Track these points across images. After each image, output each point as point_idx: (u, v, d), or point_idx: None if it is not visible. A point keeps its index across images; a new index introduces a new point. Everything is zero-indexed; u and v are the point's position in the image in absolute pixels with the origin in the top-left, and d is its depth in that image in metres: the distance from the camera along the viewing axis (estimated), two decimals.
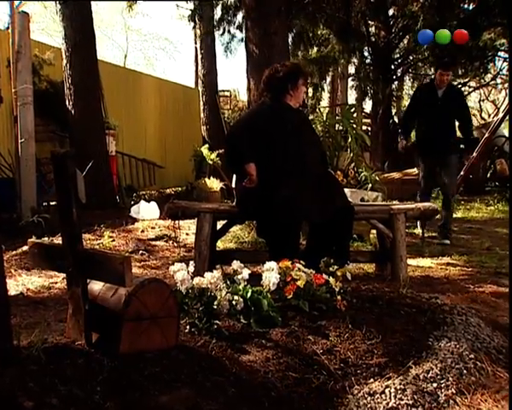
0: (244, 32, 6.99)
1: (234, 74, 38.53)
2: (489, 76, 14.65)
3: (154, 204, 7.31)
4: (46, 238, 5.13)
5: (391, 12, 12.07)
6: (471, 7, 9.84)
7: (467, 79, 13.47)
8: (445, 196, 5.62)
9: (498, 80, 16.78)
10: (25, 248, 4.31)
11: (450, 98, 5.43)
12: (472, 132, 5.87)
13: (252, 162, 3.35)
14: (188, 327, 2.29)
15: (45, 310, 2.97)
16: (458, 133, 5.93)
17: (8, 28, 6.45)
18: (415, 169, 9.68)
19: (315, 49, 13.30)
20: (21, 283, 3.58)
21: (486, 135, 9.76)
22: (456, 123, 5.72)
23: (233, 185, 4.16)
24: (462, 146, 5.85)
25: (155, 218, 6.91)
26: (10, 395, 1.50)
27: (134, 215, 7.09)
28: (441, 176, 5.51)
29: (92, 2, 8.13)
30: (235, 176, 3.85)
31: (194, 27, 11.53)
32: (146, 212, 7.04)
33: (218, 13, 11.08)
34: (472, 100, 23.15)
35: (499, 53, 11.98)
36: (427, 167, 5.66)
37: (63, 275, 3.32)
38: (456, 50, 9.34)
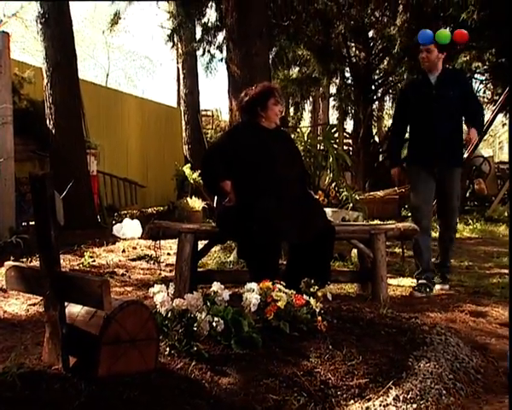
0: (225, 52, 7.04)
1: (216, 94, 38.79)
2: None
3: (136, 222, 7.31)
4: (25, 259, 5.07)
5: (370, 34, 12.28)
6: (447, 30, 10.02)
7: None
8: (444, 226, 4.15)
9: None
10: (2, 269, 4.24)
11: (448, 83, 4.03)
12: (482, 120, 4.40)
13: (227, 180, 3.42)
14: (167, 349, 2.27)
15: (23, 333, 2.92)
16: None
17: None
18: (395, 188, 9.81)
19: (296, 69, 13.44)
20: None
21: (465, 155, 9.91)
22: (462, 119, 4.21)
23: (214, 205, 4.18)
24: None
25: (138, 236, 6.89)
26: None
27: (116, 234, 7.06)
28: (441, 197, 4.16)
29: (74, 21, 8.13)
30: (216, 196, 3.87)
31: (172, 47, 11.58)
32: (129, 230, 7.05)
33: (198, 33, 11.16)
34: None
35: (476, 75, 12.23)
36: (426, 187, 4.05)
37: (41, 297, 3.29)
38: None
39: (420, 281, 4.03)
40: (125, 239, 6.71)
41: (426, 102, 4.03)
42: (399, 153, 4.39)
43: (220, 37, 10.20)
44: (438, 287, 4.12)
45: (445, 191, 4.05)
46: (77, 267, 4.95)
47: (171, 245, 5.87)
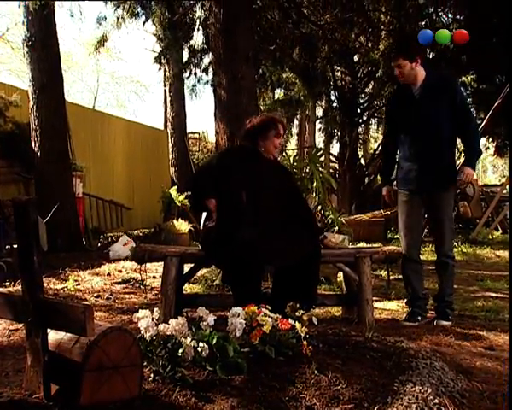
0: (212, 76, 7.11)
1: (203, 116, 38.92)
2: None
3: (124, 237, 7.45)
4: (8, 283, 5.01)
5: (355, 58, 12.47)
6: (431, 55, 10.21)
7: None
8: (437, 253, 3.81)
9: None
10: None
11: (433, 96, 3.61)
12: (475, 139, 3.87)
13: (212, 198, 3.45)
14: (152, 375, 2.24)
15: (3, 359, 2.87)
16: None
17: None
18: (381, 211, 9.88)
19: (282, 91, 13.57)
20: None
21: None
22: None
23: (201, 227, 4.17)
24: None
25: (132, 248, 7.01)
26: None
27: (114, 257, 7.14)
28: (432, 222, 3.93)
29: (61, 44, 8.16)
30: (203, 218, 3.87)
31: (159, 69, 11.65)
32: (123, 249, 7.23)
33: (185, 56, 11.24)
34: None
35: None
36: (414, 213, 3.77)
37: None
38: None
39: (410, 309, 3.88)
40: (114, 261, 6.75)
41: (409, 121, 3.69)
42: (390, 172, 4.05)
43: (206, 60, 10.28)
44: (440, 323, 3.72)
45: (436, 217, 3.77)
46: (61, 291, 4.90)
47: (157, 268, 5.85)
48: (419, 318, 3.78)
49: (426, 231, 9.61)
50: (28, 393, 1.90)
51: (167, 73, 13.53)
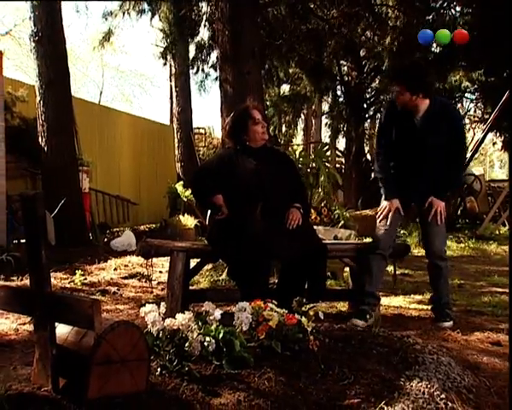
0: (218, 71, 7.10)
1: (209, 111, 38.94)
2: None
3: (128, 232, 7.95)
4: (16, 277, 5.04)
5: (362, 53, 12.42)
6: (438, 49, 10.16)
7: None
8: (433, 262, 3.70)
9: (466, 120, 17.26)
10: None
11: (433, 127, 3.55)
12: (459, 174, 3.94)
13: (218, 194, 3.45)
14: (159, 370, 2.25)
15: (12, 353, 2.89)
16: None
17: None
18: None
19: (287, 86, 13.54)
20: None
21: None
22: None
23: (207, 223, 4.18)
24: None
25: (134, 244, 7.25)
26: None
27: (119, 249, 7.46)
28: (426, 234, 3.72)
29: (69, 40, 8.19)
30: (209, 213, 3.88)
31: (164, 64, 11.66)
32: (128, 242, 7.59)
33: (192, 51, 11.24)
34: None
35: (466, 94, 12.38)
36: (396, 216, 3.66)
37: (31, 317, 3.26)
38: None
39: (361, 307, 3.56)
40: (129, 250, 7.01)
41: (409, 147, 3.61)
42: (393, 184, 3.71)
43: (214, 55, 10.28)
44: (443, 325, 3.56)
45: (429, 227, 3.64)
46: (68, 285, 4.92)
47: (163, 263, 5.86)
48: (367, 316, 3.49)
49: None
50: (36, 386, 1.91)
51: (173, 69, 13.54)
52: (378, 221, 3.70)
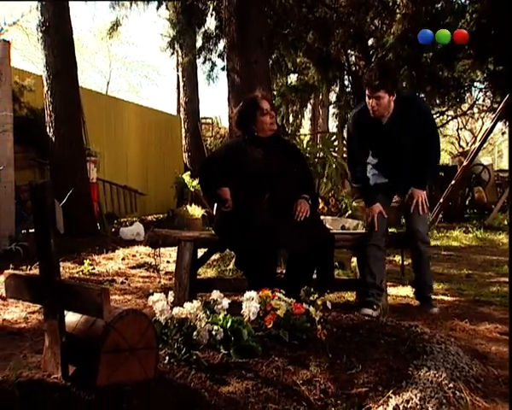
0: (225, 60, 7.07)
1: (216, 101, 38.87)
2: (466, 105, 14.98)
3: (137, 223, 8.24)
4: (24, 267, 5.06)
5: (370, 42, 12.33)
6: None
7: (444, 109, 13.75)
8: (416, 246, 3.69)
9: (475, 109, 17.14)
10: (1, 277, 4.24)
11: (400, 123, 3.53)
12: (432, 165, 3.84)
13: (224, 187, 3.45)
14: (167, 358, 2.26)
15: (21, 341, 2.91)
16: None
17: None
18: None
19: (295, 76, 13.47)
20: None
21: (464, 163, 9.94)
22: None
23: (214, 213, 4.19)
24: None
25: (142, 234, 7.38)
26: None
27: (127, 237, 7.71)
28: (409, 219, 3.71)
29: (76, 30, 8.18)
30: (216, 204, 3.89)
31: (172, 54, 11.63)
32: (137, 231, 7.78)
33: (199, 41, 11.21)
34: (450, 128, 23.59)
35: (475, 83, 12.28)
36: (387, 200, 3.75)
37: (41, 305, 3.28)
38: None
39: (366, 298, 3.54)
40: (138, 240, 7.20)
41: (380, 150, 3.68)
42: (371, 189, 3.71)
43: (221, 45, 10.25)
44: (429, 311, 3.63)
45: (412, 214, 3.64)
46: (76, 275, 4.95)
47: (170, 253, 5.87)
48: (374, 307, 3.45)
49: (440, 216, 9.57)
50: (46, 373, 1.93)
51: (180, 59, 13.51)
52: (365, 230, 3.71)
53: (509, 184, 10.01)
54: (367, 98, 3.52)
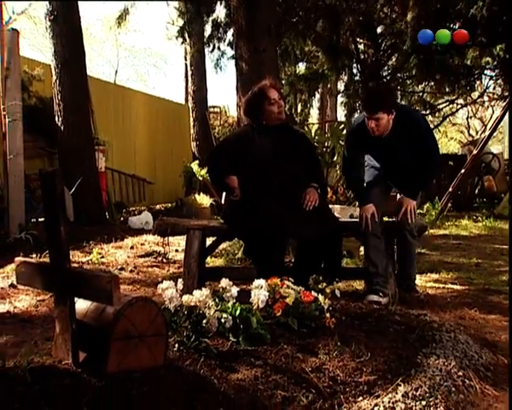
0: (234, 49, 7.04)
1: (224, 90, 38.80)
2: (476, 94, 14.83)
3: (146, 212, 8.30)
4: (34, 255, 5.10)
5: (379, 30, 12.22)
6: (457, 26, 9.96)
7: (454, 97, 13.62)
8: (405, 238, 3.70)
9: (485, 98, 16.97)
10: (12, 265, 4.27)
11: (399, 138, 3.54)
12: (430, 179, 4.01)
13: (232, 175, 3.45)
14: (176, 345, 2.27)
15: (32, 328, 2.94)
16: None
17: None
18: None
19: (303, 65, 13.39)
20: (8, 301, 3.55)
21: (474, 152, 9.87)
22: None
23: (222, 202, 4.19)
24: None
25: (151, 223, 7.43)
26: None
27: (136, 226, 7.72)
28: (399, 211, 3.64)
29: (84, 19, 8.17)
30: (224, 193, 3.89)
31: (182, 43, 11.59)
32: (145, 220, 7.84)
33: (208, 29, 11.15)
34: (460, 117, 23.40)
35: (485, 71, 12.15)
36: (381, 189, 3.75)
37: (51, 293, 3.31)
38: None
39: (372, 287, 3.55)
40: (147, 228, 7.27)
41: (375, 155, 3.73)
42: (366, 191, 3.72)
43: (230, 33, 10.18)
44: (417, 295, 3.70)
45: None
46: (86, 264, 4.97)
47: (179, 241, 5.89)
48: (381, 294, 3.46)
49: (449, 205, 9.52)
50: (57, 360, 1.94)
51: (189, 47, 13.46)
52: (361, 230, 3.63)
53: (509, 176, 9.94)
54: (366, 119, 3.51)
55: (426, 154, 3.60)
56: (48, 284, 2.02)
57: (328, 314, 2.57)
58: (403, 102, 14.57)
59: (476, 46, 9.99)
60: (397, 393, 2.02)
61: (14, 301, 3.53)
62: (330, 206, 4.05)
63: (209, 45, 10.85)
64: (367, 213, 3.55)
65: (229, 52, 10.93)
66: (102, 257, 5.26)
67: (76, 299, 1.99)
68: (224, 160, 3.55)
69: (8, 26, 6.00)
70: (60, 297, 1.94)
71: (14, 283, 3.90)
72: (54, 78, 7.67)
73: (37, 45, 22.89)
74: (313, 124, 14.89)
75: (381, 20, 11.17)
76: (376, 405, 1.96)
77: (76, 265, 4.86)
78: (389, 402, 1.96)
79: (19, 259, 2.17)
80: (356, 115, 13.79)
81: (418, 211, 5.44)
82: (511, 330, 2.33)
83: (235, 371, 2.12)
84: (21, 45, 6.25)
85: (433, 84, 11.04)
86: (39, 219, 6.65)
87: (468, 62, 10.25)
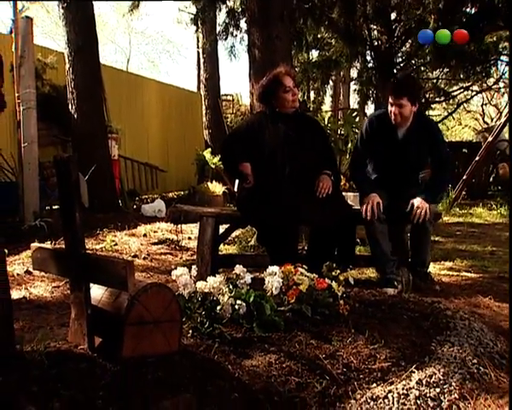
0: (247, 36, 7.00)
1: (236, 78, 38.68)
2: (491, 80, 14.65)
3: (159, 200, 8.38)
4: (49, 242, 5.14)
5: (393, 16, 12.08)
6: (473, 11, 9.83)
7: (469, 83, 13.47)
8: (415, 224, 3.48)
9: (501, 84, 16.75)
10: (27, 252, 4.32)
11: (416, 140, 3.58)
12: (443, 186, 3.98)
13: (246, 162, 3.45)
14: (190, 331, 2.29)
15: (48, 314, 2.97)
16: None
17: (11, 33, 6.46)
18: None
19: (316, 52, 13.30)
20: (24, 287, 3.58)
21: (489, 139, 9.76)
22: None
23: (235, 189, 4.19)
24: None
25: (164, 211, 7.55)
26: (14, 400, 1.51)
27: (149, 213, 7.74)
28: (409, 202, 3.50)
29: (95, 6, 8.16)
30: (237, 180, 3.89)
31: (196, 31, 11.56)
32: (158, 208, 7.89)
33: (221, 17, 11.11)
34: (474, 104, 23.15)
35: (502, 57, 11.99)
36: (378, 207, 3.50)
37: (66, 279, 3.34)
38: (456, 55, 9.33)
39: (386, 276, 3.49)
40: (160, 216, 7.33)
41: (391, 160, 3.65)
42: (370, 178, 3.74)
43: (243, 21, 10.12)
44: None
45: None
46: (99, 251, 5.01)
47: (191, 229, 5.91)
48: (395, 283, 3.39)
49: (463, 193, 9.44)
50: (73, 344, 1.96)
51: (201, 35, 13.42)
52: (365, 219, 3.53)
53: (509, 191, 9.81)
54: (389, 106, 3.54)
55: (439, 162, 3.64)
56: (63, 270, 2.04)
57: (341, 301, 2.57)
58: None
59: (494, 31, 9.86)
60: (411, 380, 2.02)
61: (29, 288, 3.57)
62: (343, 193, 4.03)
63: (222, 33, 10.80)
64: (373, 200, 3.47)
65: (243, 39, 10.89)
66: (116, 244, 5.29)
67: (91, 285, 2.00)
68: (237, 147, 3.55)
69: (22, 14, 5.99)
70: (75, 283, 1.95)
71: (30, 269, 3.94)
72: (67, 66, 7.69)
73: (50, 33, 22.99)
74: (326, 111, 14.81)
75: (395, 6, 11.05)
76: (390, 392, 1.95)
77: (90, 251, 4.90)
78: (403, 389, 1.96)
79: (35, 245, 2.19)
80: (370, 105, 13.71)
81: None
82: (511, 330, 2.32)
83: (249, 357, 2.13)
84: (35, 34, 6.25)
85: (447, 70, 10.91)
86: (53, 207, 6.70)
87: (485, 48, 10.11)
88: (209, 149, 10.22)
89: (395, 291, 3.33)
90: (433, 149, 3.63)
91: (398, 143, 3.61)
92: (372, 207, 3.44)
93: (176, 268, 2.47)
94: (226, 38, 10.75)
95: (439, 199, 3.82)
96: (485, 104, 23.43)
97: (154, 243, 5.51)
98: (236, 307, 2.38)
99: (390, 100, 3.54)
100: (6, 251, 3.49)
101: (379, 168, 3.75)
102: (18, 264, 4.17)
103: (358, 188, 3.83)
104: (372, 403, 1.91)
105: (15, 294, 3.32)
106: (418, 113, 3.63)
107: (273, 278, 2.55)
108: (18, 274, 3.90)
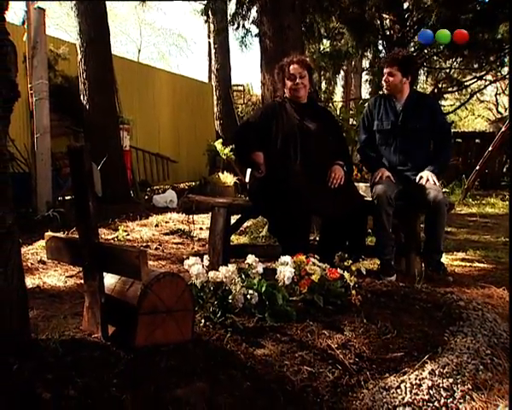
0: (258, 26, 6.97)
1: (247, 69, 38.59)
2: (506, 69, 14.47)
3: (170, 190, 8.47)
4: (61, 232, 5.18)
5: (405, 5, 11.96)
6: None
7: (483, 73, 13.32)
8: (437, 207, 3.44)
9: None
10: (41, 242, 4.36)
11: (415, 112, 3.70)
12: (446, 161, 3.87)
13: (258, 151, 3.44)
14: (203, 321, 2.30)
15: (61, 303, 3.00)
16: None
17: (24, 24, 6.48)
18: None
19: (328, 42, 13.20)
20: (38, 276, 3.62)
21: (503, 129, 9.65)
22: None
23: (247, 180, 4.19)
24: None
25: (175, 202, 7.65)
26: (29, 387, 1.52)
27: (160, 204, 7.84)
28: (420, 188, 3.55)
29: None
30: (248, 170, 3.88)
31: (206, 21, 11.51)
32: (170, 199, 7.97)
33: (231, 7, 11.05)
34: (488, 94, 22.90)
35: None
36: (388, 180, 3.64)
37: (79, 269, 3.36)
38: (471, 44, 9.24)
39: (386, 257, 3.53)
40: (171, 207, 7.44)
41: (390, 132, 3.75)
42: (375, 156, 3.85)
43: (254, 11, 10.06)
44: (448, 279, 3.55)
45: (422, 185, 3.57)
46: (111, 241, 5.04)
47: (203, 220, 5.93)
48: (391, 272, 3.45)
49: (476, 183, 9.37)
50: (87, 333, 1.98)
51: (212, 25, 13.38)
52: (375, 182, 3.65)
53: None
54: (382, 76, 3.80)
55: (441, 133, 3.75)
56: (77, 259, 2.05)
57: (353, 291, 2.57)
58: (429, 79, 14.32)
59: (506, 21, 9.73)
60: (423, 370, 2.02)
61: (43, 277, 3.60)
62: (355, 184, 4.01)
63: (233, 23, 10.75)
64: (383, 172, 3.65)
65: (254, 30, 10.83)
66: (128, 234, 5.32)
67: (104, 274, 2.02)
68: (250, 135, 3.54)
69: (35, 5, 6.01)
70: (89, 272, 1.97)
71: (44, 259, 3.98)
72: (79, 56, 7.71)
73: (62, 25, 23.04)
74: (338, 101, 14.74)
75: None
76: (403, 382, 1.95)
77: (102, 241, 4.92)
78: (416, 379, 1.96)
79: (48, 234, 2.20)
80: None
81: (445, 189, 5.38)
82: (511, 329, 2.30)
83: (261, 346, 2.13)
84: (47, 25, 6.27)
85: (460, 59, 10.79)
86: (66, 197, 6.74)
87: (499, 37, 9.98)
88: (220, 140, 10.19)
89: (394, 276, 3.38)
90: (434, 119, 3.73)
91: (397, 114, 3.75)
92: (383, 175, 3.61)
93: (188, 258, 2.48)
94: (237, 29, 10.70)
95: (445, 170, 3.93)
96: (499, 94, 23.17)
97: (166, 234, 5.53)
98: (248, 296, 2.39)
99: (383, 70, 3.78)
100: (20, 241, 3.53)
101: (384, 142, 3.81)
102: (32, 253, 4.21)
103: (368, 166, 4.03)
104: (384, 393, 1.91)
105: (29, 283, 3.36)
106: (414, 90, 3.82)
107: (285, 267, 2.55)
108: (32, 264, 3.94)
